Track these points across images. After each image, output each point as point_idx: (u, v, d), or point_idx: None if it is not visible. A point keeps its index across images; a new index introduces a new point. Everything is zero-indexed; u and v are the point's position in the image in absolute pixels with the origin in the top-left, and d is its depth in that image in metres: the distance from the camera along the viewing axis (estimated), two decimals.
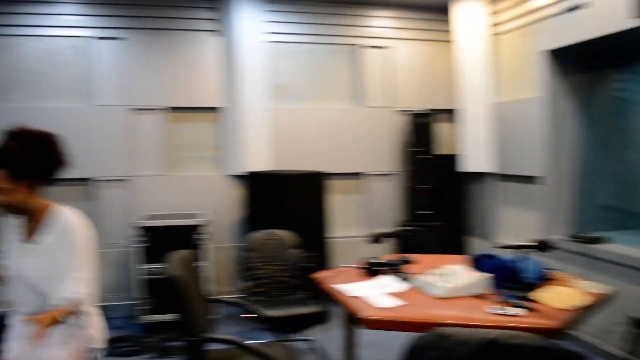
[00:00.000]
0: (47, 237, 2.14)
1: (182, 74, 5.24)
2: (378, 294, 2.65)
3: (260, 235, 4.28)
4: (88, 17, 5.08)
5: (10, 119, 5.03)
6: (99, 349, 2.28)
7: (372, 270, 3.10)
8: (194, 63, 5.27)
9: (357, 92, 5.66)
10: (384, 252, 4.01)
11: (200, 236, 4.60)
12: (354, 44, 5.62)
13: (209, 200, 5.27)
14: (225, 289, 5.23)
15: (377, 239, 3.59)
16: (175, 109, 5.26)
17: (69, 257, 2.11)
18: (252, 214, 5.00)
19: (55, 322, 2.01)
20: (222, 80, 5.29)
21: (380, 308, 2.46)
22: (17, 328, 2.21)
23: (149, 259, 4.45)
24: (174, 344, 4.30)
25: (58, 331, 2.11)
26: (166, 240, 4.42)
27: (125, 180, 5.06)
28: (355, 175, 5.70)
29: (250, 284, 4.10)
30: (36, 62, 5.05)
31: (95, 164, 4.99)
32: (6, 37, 4.99)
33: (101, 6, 5.08)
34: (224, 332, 2.59)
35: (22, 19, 4.97)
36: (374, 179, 5.71)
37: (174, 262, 2.56)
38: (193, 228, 4.61)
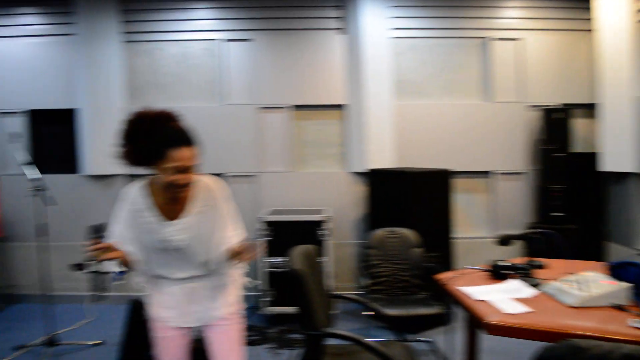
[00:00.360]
0: (196, 207, 2.27)
1: (307, 72, 5.35)
2: (505, 299, 2.50)
3: (381, 232, 4.24)
4: (219, 20, 5.37)
5: None
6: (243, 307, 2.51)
7: (499, 273, 2.95)
8: (319, 61, 5.36)
9: (486, 87, 5.42)
10: (512, 255, 3.81)
11: (322, 232, 4.65)
12: (483, 37, 5.39)
13: (331, 197, 5.33)
14: (345, 285, 5.25)
15: (504, 241, 3.40)
16: (300, 106, 5.38)
17: (220, 218, 2.31)
18: (374, 211, 4.98)
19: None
20: (347, 77, 5.32)
21: (507, 314, 2.32)
22: (169, 293, 2.37)
23: (272, 253, 4.59)
24: (294, 336, 4.40)
25: (218, 279, 2.37)
26: (289, 234, 4.53)
27: (253, 176, 5.28)
28: (483, 173, 5.46)
29: (370, 281, 4.08)
30: (172, 65, 5.43)
31: (225, 160, 5.26)
32: (146, 42, 5.43)
33: (231, 10, 5.33)
34: (343, 328, 2.60)
35: (160, 25, 5.38)
36: (502, 178, 5.44)
37: (297, 256, 2.59)
38: (315, 224, 4.68)
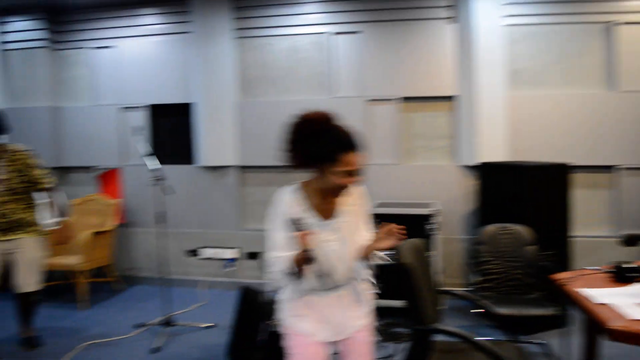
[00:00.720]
0: (345, 207, 2.28)
1: (416, 63, 5.25)
2: (629, 304, 2.33)
3: (492, 228, 4.09)
4: (327, 14, 5.40)
5: (261, 112, 5.68)
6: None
7: (623, 276, 2.74)
8: (428, 52, 5.23)
9: (610, 76, 5.02)
10: (637, 257, 3.53)
11: (430, 226, 4.57)
12: (606, 21, 4.99)
13: (440, 190, 5.21)
14: (453, 281, 5.13)
15: (630, 240, 3.16)
16: (409, 98, 5.30)
17: (362, 219, 2.32)
18: (485, 206, 4.80)
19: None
20: (457, 68, 5.16)
21: (633, 320, 2.16)
22: (312, 303, 2.27)
23: None
24: (400, 330, 4.36)
25: (356, 286, 2.34)
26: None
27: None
28: (605, 168, 5.08)
29: (479, 278, 3.96)
30: (282, 59, 5.55)
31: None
32: (257, 38, 5.59)
33: (339, 3, 5.35)
34: (450, 324, 2.54)
35: (270, 21, 5.52)
36: (627, 173, 5.03)
37: (405, 250, 2.57)
38: (423, 217, 4.59)
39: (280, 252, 2.18)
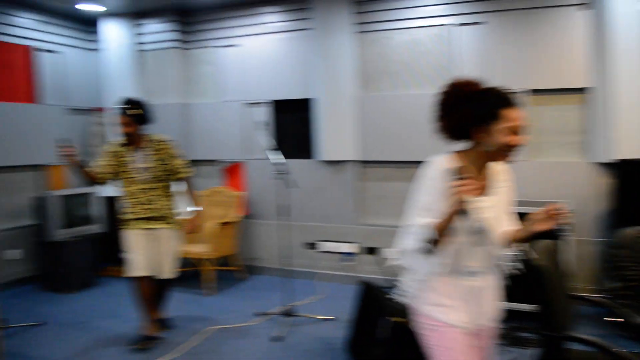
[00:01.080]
0: (498, 185, 2.17)
1: (544, 54, 4.95)
2: None
3: (632, 231, 3.79)
4: (450, 5, 5.24)
5: (380, 107, 5.65)
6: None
7: None
8: (558, 41, 4.91)
9: None
10: None
11: (561, 227, 4.29)
12: None
13: (571, 189, 4.88)
14: (586, 287, 4.80)
15: None
16: (536, 91, 5.01)
17: (510, 200, 2.15)
18: (623, 206, 4.43)
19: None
20: (591, 57, 4.80)
21: None
22: (454, 288, 2.11)
23: None
24: (526, 335, 4.15)
25: (496, 274, 2.19)
26: None
27: None
28: None
29: (617, 284, 3.67)
30: (402, 52, 5.48)
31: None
32: (377, 32, 5.56)
33: None
34: (583, 332, 2.36)
35: (390, 14, 5.46)
36: None
37: (538, 251, 2.43)
38: None
39: (422, 218, 2.01)
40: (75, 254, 5.64)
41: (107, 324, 4.68)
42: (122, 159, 4.13)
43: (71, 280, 5.59)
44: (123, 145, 4.16)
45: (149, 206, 4.13)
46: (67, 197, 5.67)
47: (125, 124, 4.06)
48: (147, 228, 4.15)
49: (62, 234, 5.54)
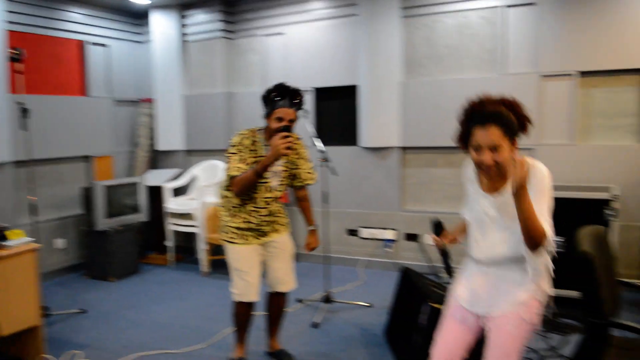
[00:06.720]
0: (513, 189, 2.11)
1: (598, 34, 4.76)
2: None
3: None
4: None
5: (424, 92, 5.58)
6: (545, 304, 2.26)
7: None
8: (614, 20, 4.70)
9: None
10: None
11: (608, 212, 4.17)
12: None
13: (621, 173, 4.71)
14: (631, 272, 4.66)
15: None
16: (588, 73, 4.84)
17: (535, 201, 2.06)
18: None
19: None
20: None
21: None
22: (469, 273, 2.37)
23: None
24: (566, 321, 4.06)
25: (518, 270, 2.20)
26: (570, 213, 4.14)
27: (530, 149, 4.94)
28: None
29: None
30: (450, 36, 5.40)
31: None
32: (424, 16, 5.49)
33: None
34: (627, 319, 2.30)
35: None
36: None
37: (585, 237, 2.38)
38: (600, 202, 4.20)
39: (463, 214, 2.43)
40: (119, 242, 5.75)
41: (148, 311, 4.75)
42: (258, 157, 3.27)
43: (114, 268, 5.70)
44: (256, 139, 3.33)
45: (270, 218, 3.40)
46: (113, 187, 5.77)
47: (289, 120, 3.19)
48: (266, 241, 3.47)
49: (106, 223, 5.65)
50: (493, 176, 2.18)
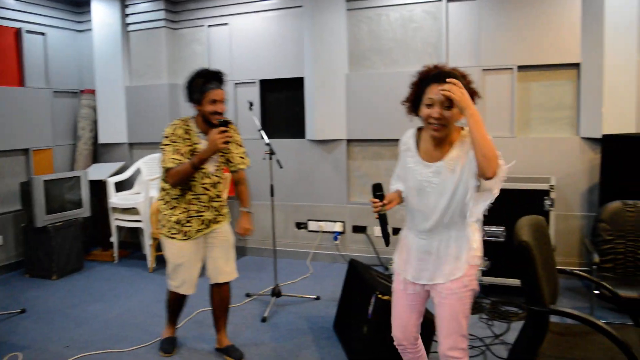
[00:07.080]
0: (454, 155, 2.28)
1: (536, 30, 4.91)
2: None
3: (616, 205, 3.84)
4: None
5: (369, 84, 5.61)
6: (479, 268, 2.44)
7: None
8: (550, 17, 4.87)
9: None
10: None
11: (546, 202, 4.34)
12: None
13: (559, 164, 4.91)
14: (569, 260, 4.88)
15: None
16: (526, 67, 5.00)
17: (470, 171, 2.22)
18: (608, 181, 4.45)
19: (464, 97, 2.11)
20: (582, 32, 4.79)
21: None
22: (410, 245, 2.46)
23: (490, 221, 4.41)
24: (509, 308, 4.22)
25: (456, 238, 2.34)
26: (510, 203, 4.28)
27: None
28: None
29: (599, 258, 3.73)
30: (393, 30, 5.45)
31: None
32: (369, 9, 5.52)
33: None
34: (565, 305, 2.41)
35: None
36: None
37: (523, 227, 2.46)
38: (539, 193, 4.37)
39: (393, 185, 2.60)
40: (61, 239, 5.57)
41: (92, 309, 4.60)
42: (193, 145, 3.30)
43: (56, 265, 5.50)
44: (189, 128, 3.32)
45: (214, 203, 3.42)
46: (53, 182, 5.56)
47: (222, 101, 3.28)
48: (208, 232, 3.46)
49: (47, 219, 5.46)
50: (439, 136, 2.27)
